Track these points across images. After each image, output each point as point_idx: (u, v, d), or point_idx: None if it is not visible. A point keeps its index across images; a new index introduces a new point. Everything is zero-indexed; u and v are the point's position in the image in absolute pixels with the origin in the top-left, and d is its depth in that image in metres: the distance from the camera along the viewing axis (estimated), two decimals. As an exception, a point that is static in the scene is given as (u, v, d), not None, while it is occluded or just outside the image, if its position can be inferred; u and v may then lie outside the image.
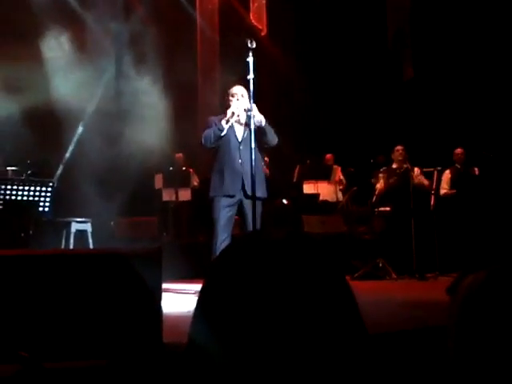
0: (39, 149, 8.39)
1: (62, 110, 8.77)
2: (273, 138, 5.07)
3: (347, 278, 0.87)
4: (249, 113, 4.79)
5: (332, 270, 0.83)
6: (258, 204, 4.94)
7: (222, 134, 4.96)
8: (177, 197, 9.41)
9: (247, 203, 4.95)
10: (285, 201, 9.04)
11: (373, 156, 8.20)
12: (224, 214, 4.98)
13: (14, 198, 4.95)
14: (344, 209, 8.93)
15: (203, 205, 9.51)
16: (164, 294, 2.71)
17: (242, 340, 0.77)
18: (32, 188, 5.04)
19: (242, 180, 4.98)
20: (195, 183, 9.61)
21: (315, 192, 9.21)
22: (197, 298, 0.86)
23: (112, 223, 8.49)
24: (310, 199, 9.06)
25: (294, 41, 9.83)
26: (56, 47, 8.85)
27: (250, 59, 3.94)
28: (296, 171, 9.47)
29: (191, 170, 9.63)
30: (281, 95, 9.73)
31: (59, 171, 8.80)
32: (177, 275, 5.96)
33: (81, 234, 5.86)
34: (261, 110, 4.94)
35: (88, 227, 5.98)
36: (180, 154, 9.65)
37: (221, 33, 10.63)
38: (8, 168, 7.84)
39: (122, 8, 9.82)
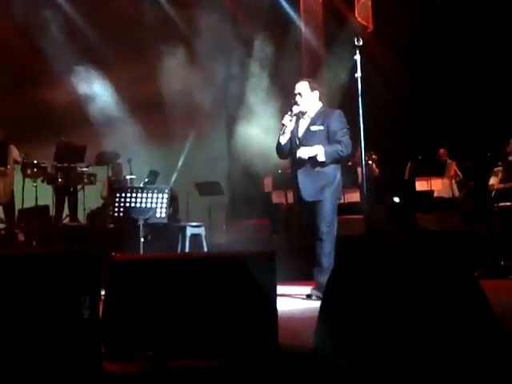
0: (154, 157, 8.81)
1: (173, 119, 9.15)
2: (340, 157, 4.79)
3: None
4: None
5: (461, 267, 0.79)
6: (320, 206, 4.77)
7: (282, 146, 4.87)
8: (286, 199, 9.47)
9: (313, 207, 4.82)
10: (396, 199, 8.81)
11: (489, 149, 7.79)
12: (303, 220, 5.03)
13: (133, 205, 5.20)
14: (461, 205, 8.56)
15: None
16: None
17: (370, 344, 0.75)
18: (149, 195, 5.28)
19: (299, 185, 4.85)
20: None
21: (428, 189, 8.91)
22: (320, 301, 0.85)
23: (224, 226, 8.70)
24: (424, 196, 8.76)
25: (400, 36, 9.58)
26: (171, 59, 9.21)
27: (358, 57, 3.87)
28: (407, 168, 9.21)
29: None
30: (389, 91, 9.51)
31: (173, 178, 9.16)
32: (288, 277, 5.98)
33: (195, 237, 6.04)
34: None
35: (202, 231, 6.16)
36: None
37: (326, 32, 10.56)
38: (127, 177, 8.30)
39: (229, 18, 10.08)
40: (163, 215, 5.42)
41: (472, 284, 0.80)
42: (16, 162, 8.50)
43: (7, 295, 1.87)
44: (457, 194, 8.93)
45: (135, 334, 2.08)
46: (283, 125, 4.75)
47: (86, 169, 8.66)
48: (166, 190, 5.52)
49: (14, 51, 9.23)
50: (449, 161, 9.16)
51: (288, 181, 9.59)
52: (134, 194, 5.21)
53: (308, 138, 4.79)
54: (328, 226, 4.78)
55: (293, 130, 4.85)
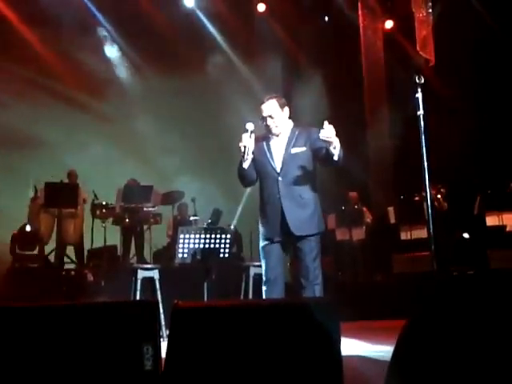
0: (218, 195, 8.91)
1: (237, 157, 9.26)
2: (342, 157, 4.09)
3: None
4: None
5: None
6: (306, 242, 4.18)
7: (246, 172, 4.23)
8: (351, 235, 9.35)
9: (296, 242, 4.20)
10: (466, 235, 8.54)
11: None
12: (268, 257, 4.26)
13: (196, 246, 5.25)
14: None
15: (378, 243, 9.35)
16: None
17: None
18: (213, 235, 5.32)
19: (283, 217, 4.17)
20: (368, 220, 9.51)
21: (500, 224, 8.58)
22: (394, 348, 0.80)
23: (288, 264, 8.63)
24: (495, 232, 8.44)
25: (462, 67, 9.41)
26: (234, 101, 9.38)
27: (419, 95, 3.77)
28: (477, 202, 8.92)
29: (364, 208, 9.53)
30: (453, 125, 9.31)
31: (237, 215, 9.21)
32: (353, 316, 5.85)
33: (259, 277, 6.02)
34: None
35: (265, 270, 6.12)
36: (354, 193, 9.63)
37: (387, 68, 10.52)
38: (191, 218, 8.42)
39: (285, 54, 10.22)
40: (226, 255, 5.44)
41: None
42: (85, 202, 8.80)
43: (66, 347, 1.89)
44: (532, 228, 8.56)
45: (197, 384, 2.05)
46: (244, 147, 4.14)
47: (152, 209, 8.84)
48: (230, 230, 5.55)
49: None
50: (521, 194, 8.82)
51: (352, 217, 9.60)
52: (197, 235, 5.26)
53: (289, 162, 4.23)
54: (317, 264, 4.22)
55: (265, 156, 4.28)
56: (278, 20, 10.40)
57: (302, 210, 4.19)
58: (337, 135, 4.04)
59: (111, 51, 10.40)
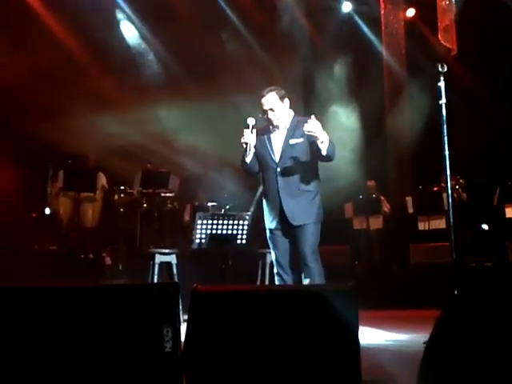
0: (235, 184, 8.91)
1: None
2: (332, 153, 4.14)
3: None
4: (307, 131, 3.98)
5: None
6: (304, 231, 4.21)
7: (249, 165, 4.32)
8: (368, 225, 9.33)
9: (294, 231, 4.25)
10: (485, 226, 8.47)
11: None
12: (275, 246, 4.36)
13: (214, 232, 5.27)
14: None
15: (395, 232, 9.32)
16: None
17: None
18: (231, 222, 5.33)
19: (281, 208, 4.24)
20: (386, 209, 9.48)
21: (519, 216, 8.51)
22: (427, 342, 0.80)
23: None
24: (514, 224, 8.37)
25: (486, 58, 9.28)
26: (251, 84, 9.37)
27: (442, 84, 3.71)
28: (496, 194, 8.84)
29: (382, 197, 9.50)
30: (476, 115, 9.20)
31: (254, 203, 9.22)
32: (369, 305, 5.84)
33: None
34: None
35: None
36: (372, 182, 9.60)
37: (408, 57, 10.42)
38: (209, 204, 8.44)
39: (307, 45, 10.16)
40: (243, 242, 5.45)
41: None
42: (104, 188, 8.86)
43: (88, 329, 1.92)
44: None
45: (216, 367, 2.08)
46: (246, 143, 4.22)
47: (169, 194, 8.88)
48: (247, 216, 5.55)
49: (92, 76, 9.67)
50: (542, 186, 8.71)
51: (370, 205, 9.55)
52: (215, 221, 5.28)
53: (287, 153, 4.27)
54: (313, 250, 4.24)
55: (266, 148, 4.33)
56: (298, 7, 10.34)
57: (299, 199, 4.24)
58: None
59: (131, 36, 10.41)
